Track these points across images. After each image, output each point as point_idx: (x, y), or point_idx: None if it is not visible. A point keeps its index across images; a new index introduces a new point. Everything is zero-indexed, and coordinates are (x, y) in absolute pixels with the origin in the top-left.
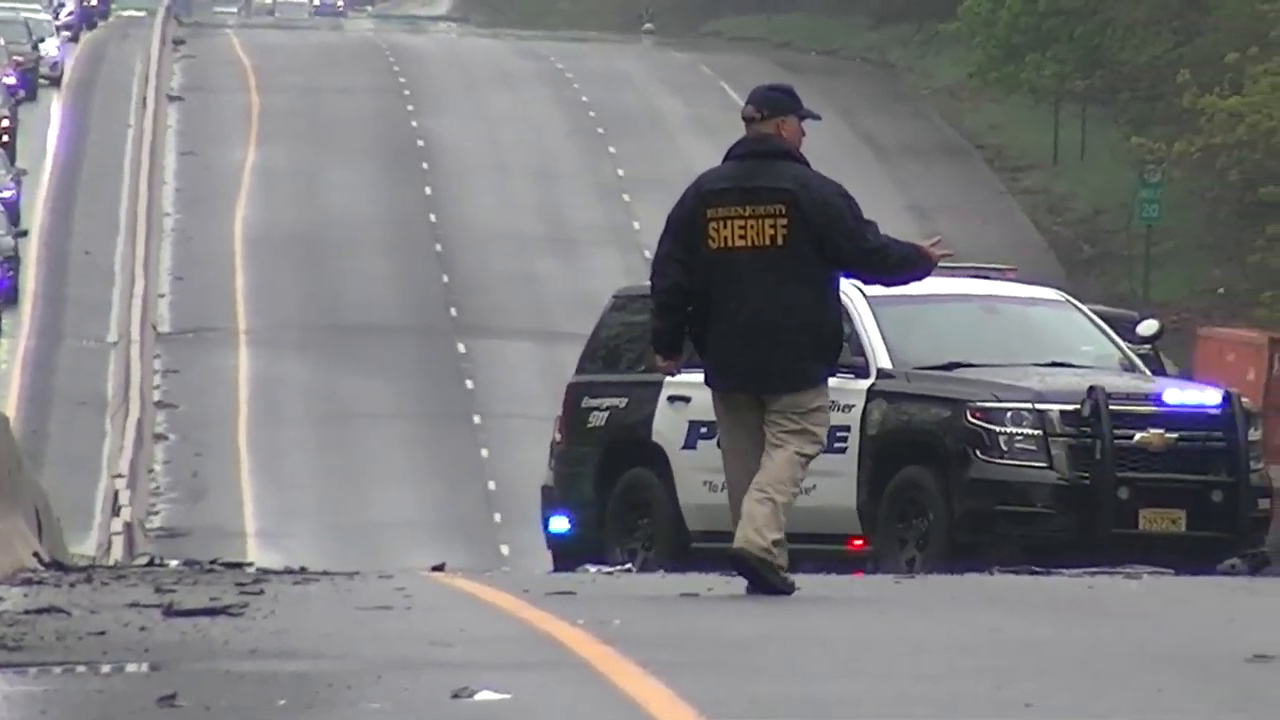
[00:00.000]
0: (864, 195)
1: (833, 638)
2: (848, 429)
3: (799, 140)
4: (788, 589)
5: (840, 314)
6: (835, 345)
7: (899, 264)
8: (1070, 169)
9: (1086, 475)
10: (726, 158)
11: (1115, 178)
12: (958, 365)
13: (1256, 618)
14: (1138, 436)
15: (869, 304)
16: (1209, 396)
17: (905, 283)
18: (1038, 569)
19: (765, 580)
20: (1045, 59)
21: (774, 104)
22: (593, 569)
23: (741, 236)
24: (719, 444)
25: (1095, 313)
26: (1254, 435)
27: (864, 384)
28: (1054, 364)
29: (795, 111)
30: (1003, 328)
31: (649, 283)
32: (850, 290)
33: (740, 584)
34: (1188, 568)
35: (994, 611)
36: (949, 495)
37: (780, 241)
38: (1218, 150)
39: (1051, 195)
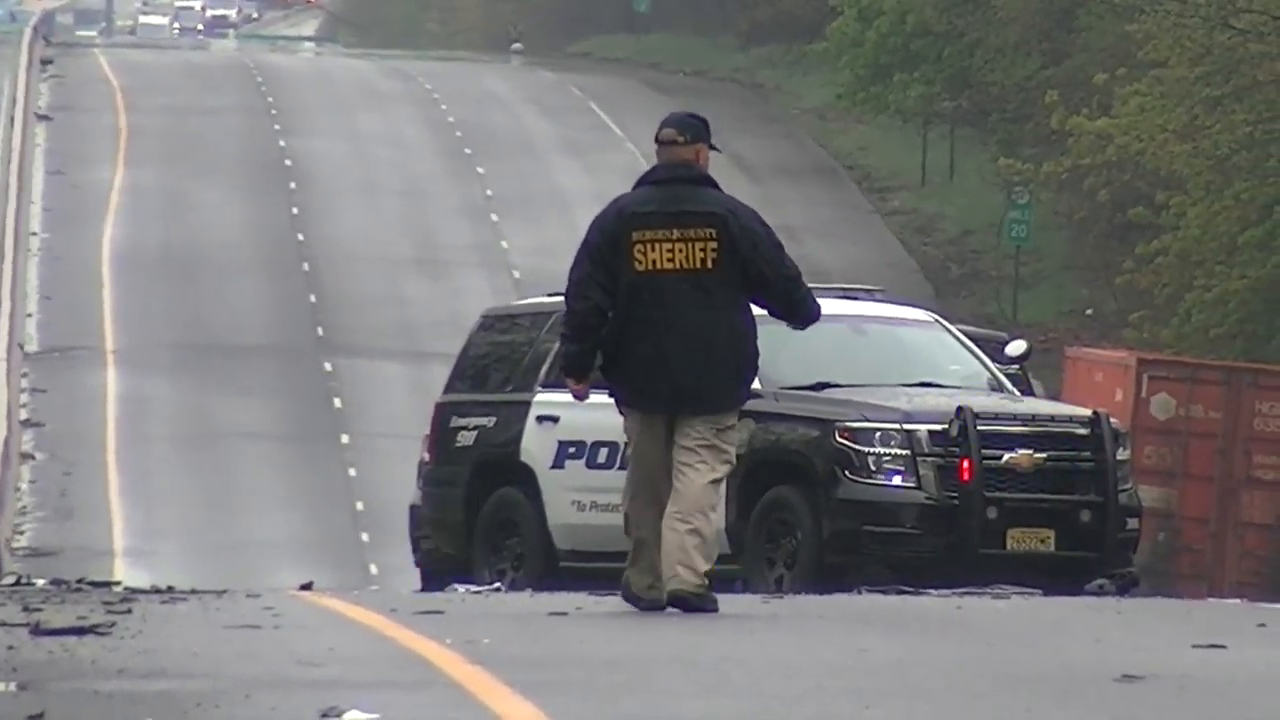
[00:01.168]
0: None
1: (700, 657)
2: None
3: (707, 169)
4: (716, 608)
5: (756, 337)
6: (754, 367)
7: (803, 298)
8: (939, 190)
9: (955, 495)
10: (645, 182)
11: (983, 199)
12: (826, 385)
13: (1124, 638)
14: (1006, 457)
15: None
16: (1077, 416)
17: (802, 320)
18: (906, 589)
19: (701, 610)
20: (913, 80)
21: (694, 131)
22: (461, 588)
23: (670, 259)
24: (629, 467)
25: (964, 333)
26: (1122, 455)
27: None
28: (922, 384)
29: (708, 141)
30: (871, 348)
31: (565, 304)
32: None
33: (608, 603)
34: (1056, 588)
35: (862, 631)
36: (817, 515)
37: (710, 265)
38: (1086, 171)
39: (920, 216)
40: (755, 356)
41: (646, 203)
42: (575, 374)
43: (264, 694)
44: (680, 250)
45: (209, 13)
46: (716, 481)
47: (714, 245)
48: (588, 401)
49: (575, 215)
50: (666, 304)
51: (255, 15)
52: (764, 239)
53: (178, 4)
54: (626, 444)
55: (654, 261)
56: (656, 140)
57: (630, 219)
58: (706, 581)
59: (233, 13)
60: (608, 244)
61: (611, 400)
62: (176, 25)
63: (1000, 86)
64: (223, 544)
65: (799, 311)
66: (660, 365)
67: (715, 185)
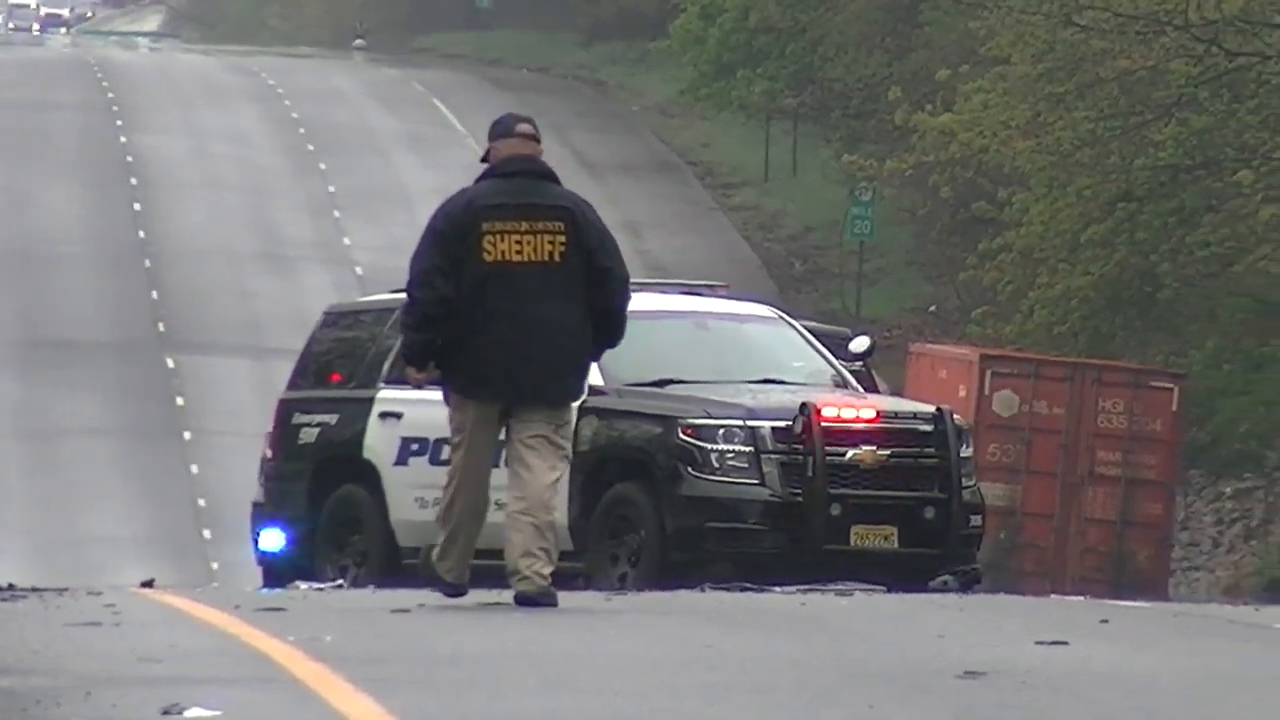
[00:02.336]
0: None
1: (544, 653)
2: None
3: None
4: (556, 603)
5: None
6: (590, 362)
7: (627, 300)
8: (782, 186)
9: (798, 492)
10: (492, 175)
11: (827, 195)
12: (670, 382)
13: (968, 634)
14: (850, 453)
15: None
16: (921, 413)
17: (619, 327)
18: (750, 586)
19: (544, 606)
20: (756, 76)
21: (538, 131)
22: (304, 585)
23: (519, 251)
24: (455, 455)
25: (807, 329)
26: (966, 452)
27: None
28: (766, 381)
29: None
30: (715, 344)
31: (408, 294)
32: None
33: (451, 600)
34: (900, 584)
35: (706, 628)
36: (661, 512)
37: (558, 258)
38: (929, 168)
39: (763, 212)
40: (592, 352)
41: (496, 195)
42: (416, 363)
43: (105, 691)
44: (529, 242)
45: (44, 10)
46: (557, 480)
47: (562, 239)
48: (432, 398)
49: (417, 211)
50: (514, 295)
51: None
52: (608, 235)
53: (11, 2)
54: (455, 436)
55: (503, 253)
56: (501, 134)
57: (480, 211)
58: (550, 579)
59: (66, 11)
60: (455, 235)
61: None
62: (11, 24)
63: (843, 83)
64: (64, 541)
65: (622, 315)
66: (505, 356)
67: (558, 180)
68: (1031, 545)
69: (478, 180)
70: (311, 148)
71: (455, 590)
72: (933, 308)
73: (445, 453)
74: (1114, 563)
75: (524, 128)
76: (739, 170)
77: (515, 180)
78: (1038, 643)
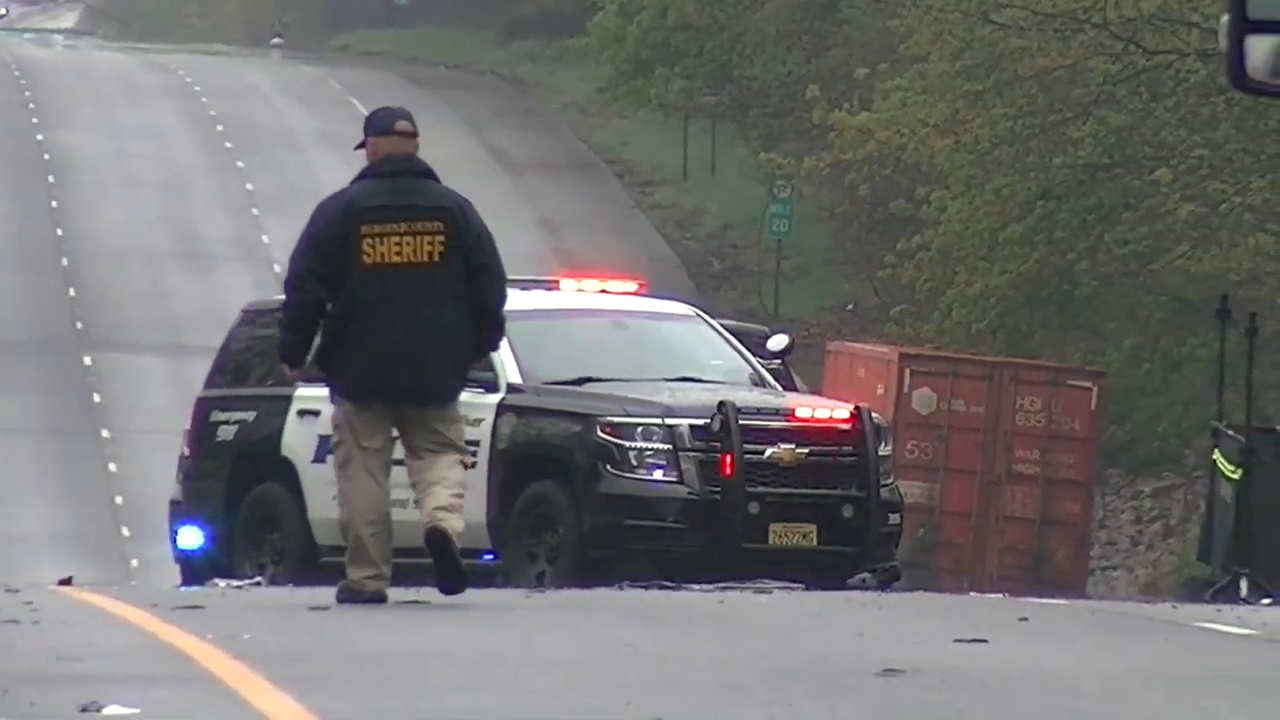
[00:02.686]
0: (494, 210)
1: (461, 651)
2: (477, 443)
3: None
4: (464, 579)
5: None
6: (471, 361)
7: (504, 298)
8: (700, 184)
9: (717, 490)
10: (370, 174)
11: (745, 193)
12: (588, 380)
13: (886, 632)
14: (768, 451)
15: None
16: (839, 411)
17: (499, 322)
18: (668, 584)
19: (453, 558)
20: (674, 74)
21: (415, 125)
22: (222, 583)
23: (398, 253)
24: (344, 458)
25: (725, 327)
26: (884, 450)
27: (494, 398)
28: (684, 379)
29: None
30: (633, 343)
31: (284, 297)
32: None
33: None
34: (818, 582)
35: (625, 626)
36: (579, 510)
37: (438, 259)
38: (847, 166)
39: (681, 210)
40: (473, 351)
41: (374, 196)
42: (290, 362)
43: (23, 690)
44: (409, 244)
45: None
46: (462, 479)
47: (441, 239)
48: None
49: None
50: (395, 297)
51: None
52: (487, 233)
53: None
54: (336, 435)
55: (383, 255)
56: (380, 131)
57: (359, 213)
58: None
59: None
60: (334, 238)
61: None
62: None
63: (761, 81)
64: None
65: (500, 313)
66: (388, 358)
67: (437, 178)
68: (950, 543)
69: (356, 179)
70: (229, 145)
71: (376, 599)
72: (851, 306)
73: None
74: (1032, 561)
75: (403, 125)
76: (657, 168)
77: (394, 180)
78: (956, 641)
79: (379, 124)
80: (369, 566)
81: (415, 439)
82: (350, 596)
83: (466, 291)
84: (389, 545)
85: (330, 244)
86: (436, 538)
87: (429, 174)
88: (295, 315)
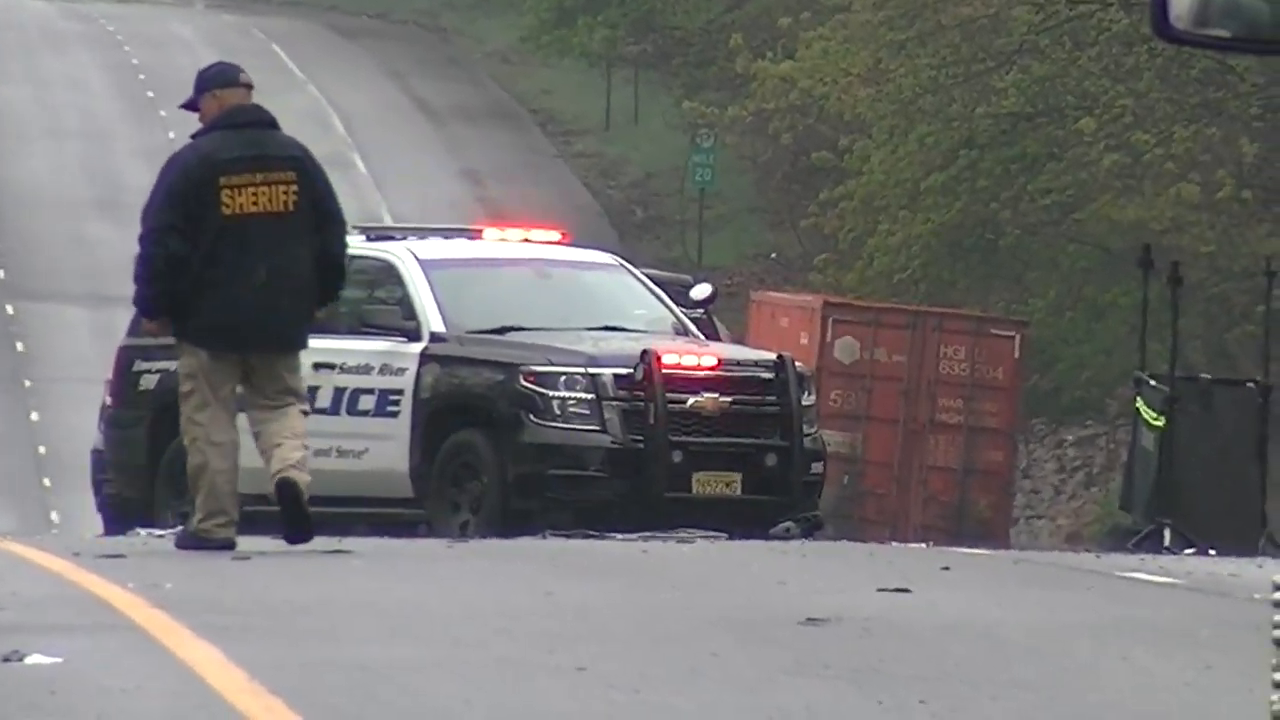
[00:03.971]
0: (417, 160)
1: (385, 601)
2: (400, 392)
3: None
4: (311, 530)
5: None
6: (317, 309)
7: (346, 246)
8: (623, 133)
9: (640, 439)
10: (220, 126)
11: (668, 142)
12: (511, 329)
13: (810, 581)
14: (691, 401)
15: (421, 267)
16: (762, 360)
17: (344, 271)
18: (591, 533)
19: (303, 510)
20: (597, 23)
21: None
22: (144, 532)
23: (254, 203)
24: (199, 405)
25: (648, 277)
26: (807, 399)
27: (416, 348)
28: (607, 328)
29: None
30: (555, 292)
31: (141, 248)
32: (401, 253)
33: (293, 547)
34: (742, 531)
35: (548, 575)
36: (502, 459)
37: (291, 207)
38: (770, 115)
39: (604, 160)
40: (318, 300)
41: (230, 147)
42: (150, 315)
43: None
44: (264, 193)
45: None
46: (304, 415)
47: (294, 188)
48: None
49: None
50: (253, 247)
51: None
52: (328, 181)
53: None
54: (188, 384)
55: (241, 205)
56: (224, 84)
57: (217, 164)
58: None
59: None
60: (192, 190)
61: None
62: None
63: (684, 30)
64: None
65: (345, 261)
66: (247, 307)
67: (280, 128)
68: (873, 493)
69: (202, 131)
70: (151, 95)
71: (226, 546)
72: (774, 255)
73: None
74: (955, 510)
75: (245, 77)
76: (580, 118)
77: (247, 131)
78: (880, 590)
79: (223, 77)
80: (221, 515)
81: (262, 387)
82: (198, 543)
83: (314, 240)
84: (235, 496)
85: (189, 196)
86: (289, 490)
87: (275, 124)
88: (155, 268)
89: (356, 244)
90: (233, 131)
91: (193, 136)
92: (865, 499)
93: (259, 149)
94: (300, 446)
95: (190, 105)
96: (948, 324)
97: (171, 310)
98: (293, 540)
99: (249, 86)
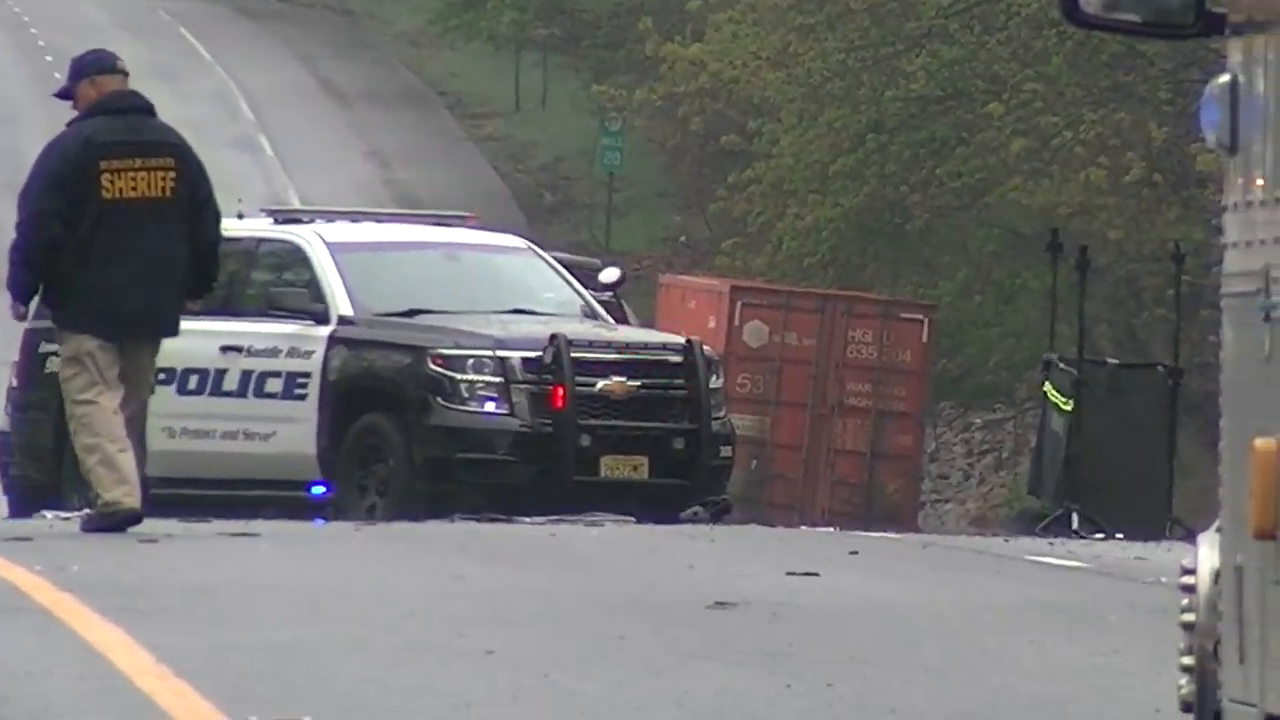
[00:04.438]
0: (324, 143)
1: (292, 584)
2: (308, 375)
3: None
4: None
5: None
6: (190, 297)
7: (221, 235)
8: (532, 117)
9: (548, 423)
10: (100, 111)
11: (577, 126)
12: (419, 312)
13: (718, 565)
14: (600, 384)
15: (329, 250)
16: (671, 344)
17: (218, 259)
18: (499, 517)
19: (136, 524)
20: (505, 6)
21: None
22: (50, 515)
23: (134, 188)
24: (86, 385)
25: (557, 260)
26: (716, 383)
27: (324, 330)
28: (516, 311)
29: None
30: (464, 275)
31: (18, 236)
32: (309, 235)
33: (200, 530)
34: (650, 515)
35: (456, 559)
36: (410, 442)
37: (169, 194)
38: (680, 99)
39: (513, 143)
40: (191, 288)
41: (111, 132)
42: (23, 299)
43: None
44: (144, 179)
45: None
46: (146, 408)
47: (172, 174)
48: (182, 327)
49: None
50: (131, 232)
51: None
52: (204, 167)
53: None
54: (71, 369)
55: (120, 190)
56: (101, 70)
57: (98, 149)
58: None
59: None
60: (73, 174)
61: (193, 326)
62: None
63: (593, 13)
64: None
65: (219, 249)
66: (127, 292)
67: (157, 114)
68: (781, 476)
69: (81, 117)
70: (59, 76)
71: (132, 518)
72: (683, 239)
73: (192, 382)
74: (864, 494)
75: (122, 64)
76: (488, 101)
77: (127, 117)
78: (788, 574)
79: (100, 63)
80: (122, 484)
81: (133, 371)
82: (104, 524)
83: (188, 228)
84: (134, 470)
85: (70, 181)
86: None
87: (153, 110)
88: (34, 254)
89: (264, 227)
90: (113, 117)
91: (69, 124)
92: (773, 483)
93: (139, 134)
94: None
95: (64, 93)
96: (856, 308)
97: (46, 295)
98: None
99: (125, 74)
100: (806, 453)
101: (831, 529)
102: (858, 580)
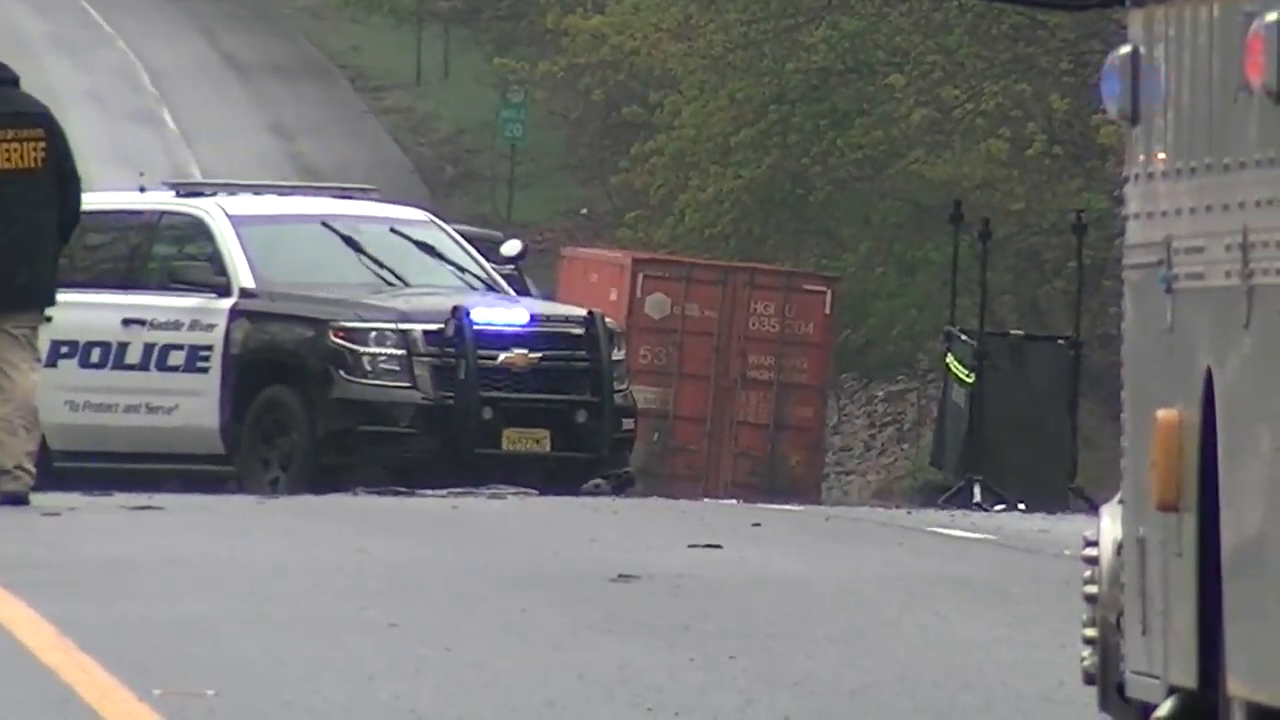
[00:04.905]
0: (226, 115)
1: (194, 558)
2: (210, 348)
3: None
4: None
5: None
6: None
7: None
8: (433, 89)
9: (451, 395)
10: None
11: (479, 98)
12: (322, 285)
13: (620, 538)
14: (502, 357)
15: (231, 223)
16: (573, 316)
17: (75, 228)
18: (402, 490)
19: (24, 505)
20: None
21: None
22: None
23: (7, 159)
24: None
25: (459, 233)
26: (618, 355)
27: (227, 303)
28: (418, 284)
29: None
30: (367, 248)
31: None
32: (211, 209)
33: (102, 504)
34: (552, 488)
35: (358, 532)
36: (312, 415)
37: (40, 164)
38: (581, 70)
39: (415, 116)
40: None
41: None
42: None
43: None
44: (15, 150)
45: None
46: (35, 383)
47: (43, 145)
48: (84, 301)
49: (69, 114)
50: (10, 201)
51: None
52: (68, 139)
53: None
54: None
55: None
56: None
57: None
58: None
59: None
60: None
61: (95, 299)
62: None
63: None
64: None
65: (79, 215)
66: (5, 262)
67: (21, 87)
68: (684, 449)
69: None
70: None
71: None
72: (585, 211)
73: (95, 355)
74: (766, 466)
75: None
76: (390, 73)
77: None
78: (691, 546)
79: None
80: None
81: (9, 343)
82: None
83: (58, 198)
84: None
85: None
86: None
87: (18, 81)
88: None
89: (166, 200)
90: None
91: None
92: (676, 455)
93: (9, 105)
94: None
95: None
96: (759, 280)
97: None
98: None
99: None
100: (709, 425)
101: (734, 501)
102: (761, 553)
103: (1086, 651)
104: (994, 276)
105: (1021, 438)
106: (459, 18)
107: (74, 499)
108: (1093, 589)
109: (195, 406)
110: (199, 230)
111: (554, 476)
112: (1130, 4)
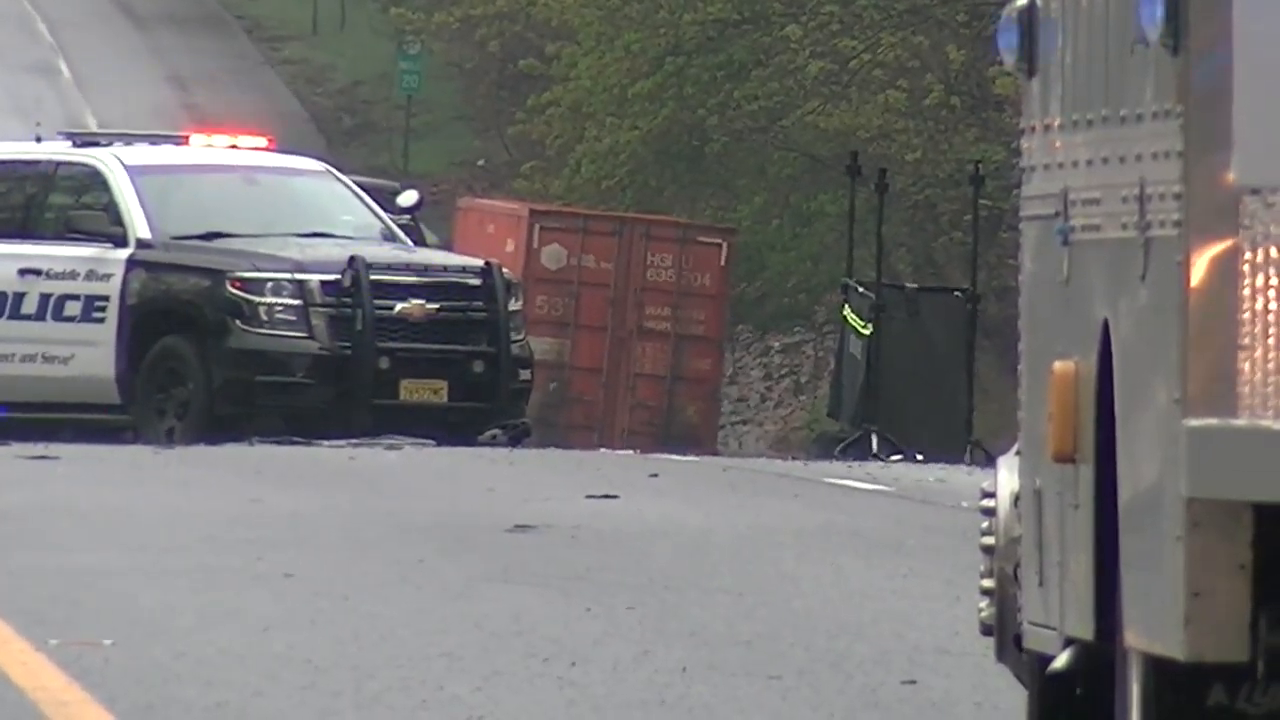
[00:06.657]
0: (121, 66)
1: (89, 508)
2: (106, 299)
3: None
4: None
5: None
6: None
7: None
8: (330, 40)
9: (347, 345)
10: None
11: (375, 49)
12: (218, 235)
13: (517, 488)
14: (399, 307)
15: (128, 173)
16: (469, 267)
17: None
18: (298, 440)
19: None
20: None
21: None
22: None
23: None
24: None
25: (356, 184)
26: (515, 306)
27: (123, 253)
28: (315, 234)
29: None
30: (263, 198)
31: None
32: (107, 158)
33: None
34: (449, 438)
35: (254, 483)
36: (208, 365)
37: None
38: (478, 22)
39: (311, 66)
40: None
41: None
42: None
43: None
44: None
45: None
46: None
47: None
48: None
49: None
50: None
51: None
52: None
53: None
54: None
55: None
56: None
57: None
58: None
59: None
60: None
61: None
62: None
63: None
64: None
65: None
66: None
67: None
68: (581, 399)
69: None
70: None
71: None
72: (481, 162)
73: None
74: (663, 417)
75: None
76: (286, 23)
77: None
78: (588, 497)
79: None
80: None
81: None
82: None
83: None
84: None
85: None
86: None
87: None
88: None
89: (62, 150)
90: None
91: None
92: (573, 405)
93: None
94: None
95: None
96: (655, 231)
97: None
98: None
99: None
100: (606, 376)
101: (631, 452)
102: (657, 503)
103: (984, 603)
104: (890, 229)
105: (918, 389)
106: None
107: None
108: (990, 540)
109: (91, 356)
110: (95, 180)
111: (451, 427)
112: None
